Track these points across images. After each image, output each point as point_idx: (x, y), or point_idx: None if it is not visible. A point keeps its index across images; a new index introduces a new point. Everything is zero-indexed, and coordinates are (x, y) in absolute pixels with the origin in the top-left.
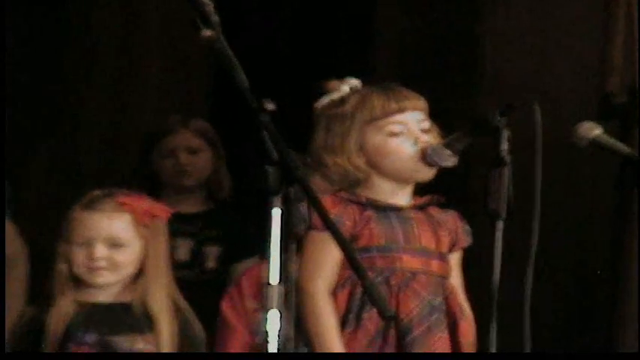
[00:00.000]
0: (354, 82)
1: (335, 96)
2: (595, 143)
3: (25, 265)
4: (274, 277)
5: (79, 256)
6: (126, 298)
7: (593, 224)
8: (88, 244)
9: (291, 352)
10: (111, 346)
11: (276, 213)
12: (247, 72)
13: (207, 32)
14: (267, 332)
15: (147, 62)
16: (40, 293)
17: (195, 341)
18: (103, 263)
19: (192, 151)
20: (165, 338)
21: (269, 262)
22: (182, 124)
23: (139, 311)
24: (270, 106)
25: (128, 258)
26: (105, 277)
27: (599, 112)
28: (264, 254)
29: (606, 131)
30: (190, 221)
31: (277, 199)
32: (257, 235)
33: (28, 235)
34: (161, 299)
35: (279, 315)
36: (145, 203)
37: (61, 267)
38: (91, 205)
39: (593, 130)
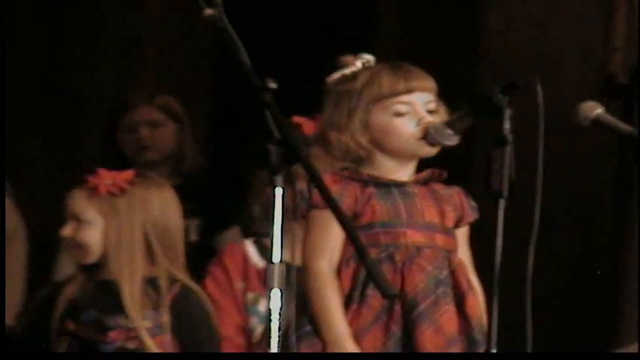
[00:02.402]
0: (368, 57)
1: (347, 71)
2: (597, 122)
3: (23, 241)
4: (276, 256)
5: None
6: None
7: (595, 203)
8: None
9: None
10: (108, 324)
11: (279, 192)
12: (250, 51)
13: (209, 11)
14: (269, 311)
15: (148, 41)
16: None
17: (200, 313)
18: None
19: (154, 125)
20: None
21: (262, 240)
22: (145, 99)
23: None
24: (272, 84)
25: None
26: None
27: (601, 91)
28: (246, 228)
29: (608, 110)
30: None
31: (280, 178)
32: (235, 206)
33: (27, 216)
34: (130, 275)
35: (280, 294)
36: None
37: None
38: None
39: (594, 109)
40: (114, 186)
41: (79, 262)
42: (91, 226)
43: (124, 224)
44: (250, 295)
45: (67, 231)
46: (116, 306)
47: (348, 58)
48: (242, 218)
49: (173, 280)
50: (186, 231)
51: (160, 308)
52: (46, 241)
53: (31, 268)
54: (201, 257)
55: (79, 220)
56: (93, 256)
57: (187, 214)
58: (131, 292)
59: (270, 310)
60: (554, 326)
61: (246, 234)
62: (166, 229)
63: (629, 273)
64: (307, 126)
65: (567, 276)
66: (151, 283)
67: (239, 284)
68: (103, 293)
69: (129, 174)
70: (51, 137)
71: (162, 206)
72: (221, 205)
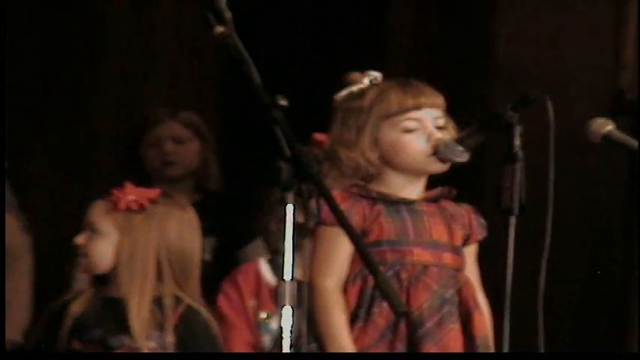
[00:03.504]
0: (375, 74)
1: (355, 88)
2: (607, 139)
3: (29, 258)
4: (287, 274)
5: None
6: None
7: (606, 219)
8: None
9: (303, 350)
10: (112, 344)
11: (290, 209)
12: (260, 67)
13: (219, 28)
14: (281, 329)
15: (158, 54)
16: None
17: (205, 334)
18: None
19: (179, 141)
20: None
21: (277, 258)
22: (169, 114)
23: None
24: (282, 101)
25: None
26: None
27: (611, 108)
28: (268, 241)
29: (619, 127)
30: None
31: (290, 195)
32: (249, 223)
33: (35, 228)
34: (140, 294)
35: (292, 311)
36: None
37: None
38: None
39: (605, 126)
40: (135, 202)
41: (86, 272)
42: (105, 238)
43: (138, 242)
44: (263, 313)
45: (80, 239)
46: (121, 325)
47: (356, 75)
48: (261, 232)
49: (178, 301)
50: (203, 250)
51: (164, 329)
52: (55, 255)
53: (39, 283)
54: (216, 276)
55: (93, 230)
56: (100, 269)
57: (204, 232)
58: (139, 312)
59: (281, 327)
60: (566, 342)
61: (269, 247)
62: (181, 252)
63: (638, 288)
64: (324, 143)
65: (578, 291)
66: (157, 302)
67: (251, 302)
68: (109, 311)
69: (154, 192)
70: (59, 150)
71: (180, 229)
72: (235, 223)
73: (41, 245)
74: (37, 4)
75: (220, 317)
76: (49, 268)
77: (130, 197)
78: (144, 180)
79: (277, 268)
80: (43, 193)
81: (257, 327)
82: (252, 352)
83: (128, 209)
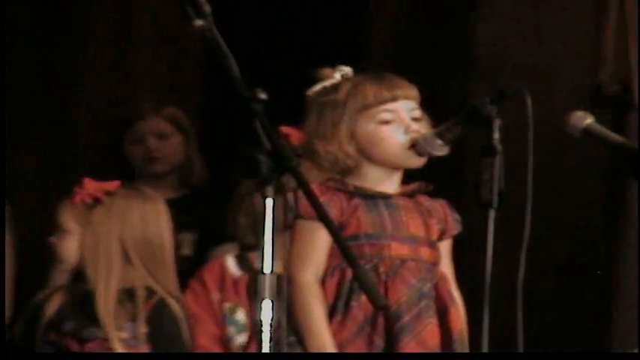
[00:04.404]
0: (346, 69)
1: (327, 83)
2: (587, 132)
3: (11, 259)
4: (267, 267)
5: None
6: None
7: (586, 212)
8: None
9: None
10: (85, 335)
11: (269, 202)
12: (240, 61)
13: (199, 22)
14: (261, 322)
15: (139, 50)
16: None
17: (171, 327)
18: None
19: (162, 137)
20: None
21: (245, 252)
22: (152, 110)
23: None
24: (262, 95)
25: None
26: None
27: (591, 101)
28: (241, 242)
29: (598, 121)
30: None
31: (270, 189)
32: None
33: (19, 226)
34: (105, 284)
35: (271, 304)
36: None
37: None
38: None
39: (585, 119)
40: (88, 196)
41: (61, 269)
42: (69, 235)
43: (100, 234)
44: (227, 305)
45: (52, 239)
46: (93, 317)
47: (327, 70)
48: (231, 230)
49: (151, 292)
50: (180, 245)
51: (136, 319)
52: (41, 251)
53: (25, 278)
54: (193, 272)
55: (61, 229)
56: (70, 264)
57: (183, 227)
58: (105, 302)
59: (261, 320)
60: (545, 336)
61: (242, 248)
62: (146, 241)
63: (620, 282)
64: (294, 136)
65: (557, 285)
66: (128, 294)
67: (215, 295)
68: (83, 304)
69: (112, 185)
70: (44, 148)
71: (143, 218)
72: (215, 218)
73: (25, 242)
74: (20, 3)
75: (188, 312)
76: (34, 265)
77: (85, 192)
78: (129, 176)
79: (244, 262)
80: (27, 191)
81: (222, 319)
82: (218, 344)
83: (84, 203)
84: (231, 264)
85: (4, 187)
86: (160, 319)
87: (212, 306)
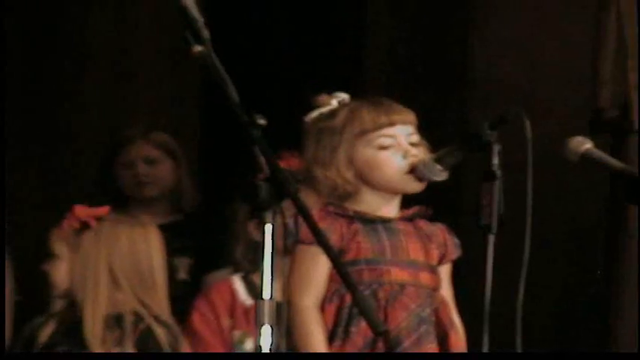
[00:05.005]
0: (343, 96)
1: (324, 110)
2: (586, 157)
3: (10, 282)
4: (267, 293)
5: None
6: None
7: (585, 236)
8: None
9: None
10: None
11: (269, 228)
12: (238, 86)
13: (197, 48)
14: (260, 347)
15: (138, 74)
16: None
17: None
18: None
19: (150, 162)
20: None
21: (255, 277)
22: (141, 134)
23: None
24: (261, 120)
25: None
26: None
27: (590, 126)
28: (237, 266)
29: (597, 145)
30: None
31: (269, 215)
32: (228, 245)
33: (17, 247)
34: (93, 308)
35: (271, 330)
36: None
37: None
38: None
39: (583, 144)
40: (76, 221)
41: (57, 296)
42: (59, 261)
43: (88, 259)
44: (237, 333)
45: (45, 266)
46: (84, 342)
47: (324, 97)
48: (229, 255)
49: (139, 318)
50: (176, 269)
51: (124, 345)
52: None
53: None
54: (192, 295)
55: (52, 255)
56: (61, 291)
57: (179, 252)
58: (93, 328)
59: (260, 347)
60: (545, 340)
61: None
62: (136, 266)
63: (620, 306)
64: (292, 161)
65: (557, 310)
66: (117, 319)
67: (226, 321)
68: (75, 329)
69: (102, 210)
70: (42, 168)
71: (131, 242)
72: (211, 243)
73: (24, 262)
74: (20, 22)
75: (194, 335)
76: (33, 285)
77: (73, 217)
78: (121, 200)
79: (252, 287)
80: (25, 211)
81: (231, 346)
82: None
83: (73, 229)
84: (240, 289)
85: (4, 195)
86: (144, 348)
87: (222, 332)
